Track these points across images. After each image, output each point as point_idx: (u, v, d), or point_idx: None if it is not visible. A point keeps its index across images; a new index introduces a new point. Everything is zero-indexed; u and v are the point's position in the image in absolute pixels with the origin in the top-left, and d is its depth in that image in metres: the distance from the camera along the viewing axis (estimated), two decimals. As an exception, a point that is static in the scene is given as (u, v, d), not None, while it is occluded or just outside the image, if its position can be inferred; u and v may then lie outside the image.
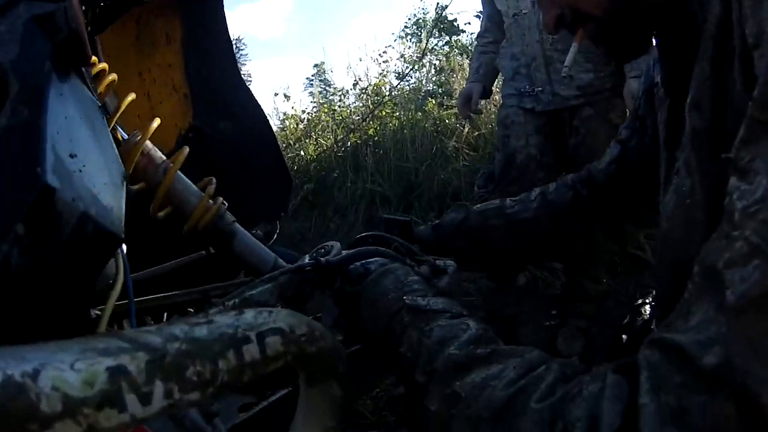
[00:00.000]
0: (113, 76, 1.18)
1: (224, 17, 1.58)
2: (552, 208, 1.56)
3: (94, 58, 1.05)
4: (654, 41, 1.16)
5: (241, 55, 45.65)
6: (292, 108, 9.50)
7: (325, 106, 9.17)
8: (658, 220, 1.14)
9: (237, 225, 1.39)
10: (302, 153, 7.76)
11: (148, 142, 1.23)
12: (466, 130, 6.62)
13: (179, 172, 1.28)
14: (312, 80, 11.51)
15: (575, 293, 3.57)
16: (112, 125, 1.13)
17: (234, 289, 1.19)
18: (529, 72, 3.45)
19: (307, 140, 8.18)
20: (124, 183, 0.99)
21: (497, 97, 5.70)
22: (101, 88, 1.13)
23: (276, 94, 9.93)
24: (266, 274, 1.24)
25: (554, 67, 3.34)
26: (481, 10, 4.01)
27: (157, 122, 1.21)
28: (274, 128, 9.10)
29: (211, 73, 1.61)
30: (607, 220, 1.54)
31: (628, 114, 3.25)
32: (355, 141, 7.42)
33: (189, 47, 1.54)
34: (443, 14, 9.47)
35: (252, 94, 1.78)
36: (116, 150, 1.00)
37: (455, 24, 9.57)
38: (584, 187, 1.56)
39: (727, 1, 0.84)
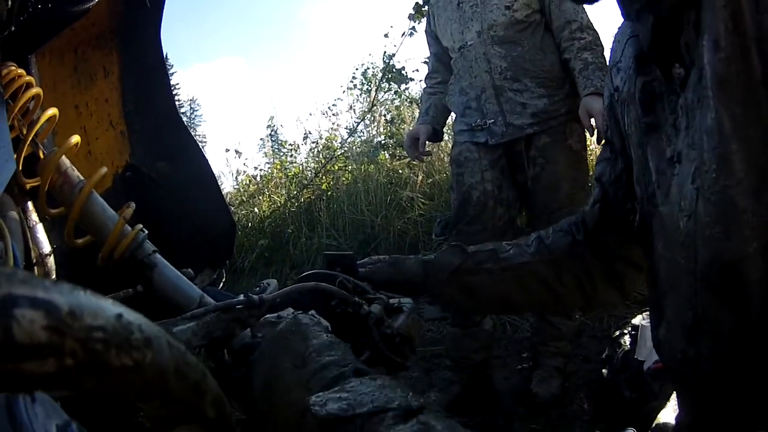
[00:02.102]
0: (54, 111, 1.11)
1: (162, 53, 1.53)
2: (550, 254, 1.45)
3: (22, 72, 1.00)
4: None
5: (195, 116, 46.04)
6: (245, 165, 9.52)
7: (278, 163, 9.17)
8: (653, 239, 1.05)
9: (158, 256, 1.29)
10: (256, 210, 7.76)
11: (66, 161, 1.16)
12: (420, 178, 6.62)
13: (95, 194, 1.20)
14: (264, 140, 11.49)
15: (547, 332, 3.47)
16: (30, 139, 1.07)
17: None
18: (480, 104, 3.39)
19: (260, 197, 8.19)
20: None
21: (449, 145, 5.69)
22: (40, 122, 1.06)
23: (227, 150, 9.88)
24: (190, 312, 1.11)
25: (505, 96, 3.29)
26: (429, 55, 4.00)
27: (76, 138, 1.14)
28: (229, 187, 9.21)
29: (149, 110, 1.56)
30: (605, 265, 1.43)
31: (587, 135, 3.25)
32: (309, 197, 7.40)
33: (127, 83, 1.48)
34: (391, 62, 9.51)
35: (192, 135, 1.72)
36: (8, 136, 0.93)
37: (403, 72, 9.62)
38: (579, 230, 1.45)
39: None
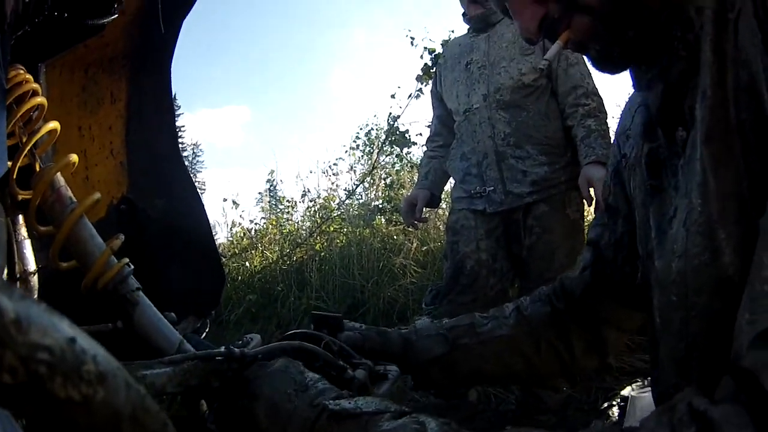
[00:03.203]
0: (56, 124, 1.07)
1: (170, 88, 1.50)
2: (529, 325, 1.43)
3: (30, 77, 0.97)
4: (633, 78, 1.11)
5: (197, 161, 46.37)
6: (241, 217, 9.53)
7: (273, 219, 9.16)
8: (651, 294, 1.07)
9: (142, 294, 1.23)
10: (247, 264, 7.71)
11: (61, 179, 1.11)
12: (414, 246, 6.60)
13: (85, 219, 1.15)
14: (263, 194, 11.52)
15: (532, 406, 3.40)
16: (28, 149, 1.02)
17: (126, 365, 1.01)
18: (480, 171, 3.37)
19: (253, 251, 8.15)
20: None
21: (446, 213, 5.69)
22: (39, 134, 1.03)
23: (225, 200, 9.89)
24: (168, 356, 1.05)
25: (507, 163, 3.28)
26: (432, 117, 3.99)
27: (74, 157, 1.10)
28: (222, 238, 9.21)
29: (152, 145, 1.52)
30: (588, 332, 1.43)
31: (585, 205, 3.23)
32: (301, 256, 7.35)
33: (133, 113, 1.44)
34: (395, 124, 9.56)
35: (191, 179, 1.68)
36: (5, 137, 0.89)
37: (407, 135, 9.67)
38: (560, 299, 1.44)
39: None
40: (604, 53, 1.06)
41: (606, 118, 3.21)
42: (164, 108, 1.54)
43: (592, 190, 3.04)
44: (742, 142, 0.81)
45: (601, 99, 3.26)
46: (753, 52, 0.80)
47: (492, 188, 3.34)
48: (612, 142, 1.39)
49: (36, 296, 0.75)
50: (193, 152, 46.74)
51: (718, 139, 0.84)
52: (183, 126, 45.70)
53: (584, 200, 3.21)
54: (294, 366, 1.00)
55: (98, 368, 0.40)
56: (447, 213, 4.40)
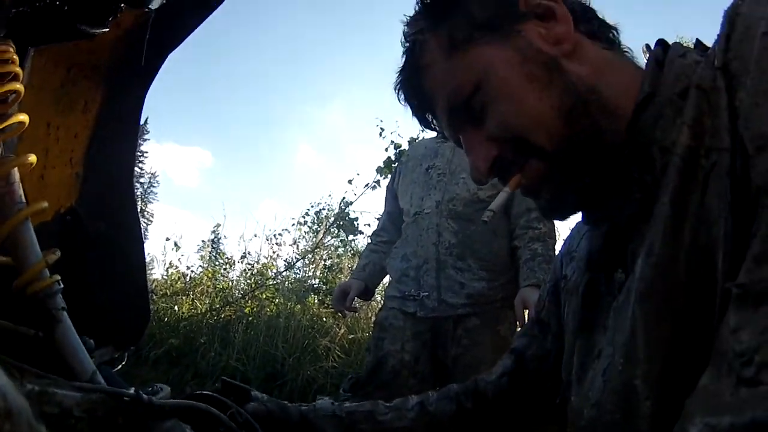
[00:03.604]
0: (25, 117, 1.04)
1: (140, 117, 1.49)
2: (431, 421, 1.39)
3: (16, 58, 0.94)
4: (582, 214, 1.10)
5: (151, 191, 45.99)
6: (179, 260, 9.46)
7: (210, 271, 9.08)
8: (570, 418, 1.05)
9: (65, 315, 1.18)
10: (176, 308, 7.62)
11: (17, 175, 1.08)
12: (342, 331, 6.60)
13: (29, 223, 1.11)
14: (205, 243, 11.43)
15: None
16: None
17: (34, 379, 0.98)
18: (418, 275, 3.32)
19: (184, 297, 8.04)
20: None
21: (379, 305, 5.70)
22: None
23: (167, 239, 9.80)
24: (79, 383, 1.01)
25: (446, 272, 3.23)
26: (383, 212, 4.00)
27: (32, 158, 1.06)
28: (158, 274, 9.14)
29: (108, 166, 1.48)
30: None
31: (518, 324, 3.21)
32: (230, 315, 7.27)
33: (99, 128, 1.41)
34: (346, 210, 9.62)
35: (137, 210, 1.64)
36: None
37: (355, 223, 9.72)
38: (469, 399, 1.40)
39: (699, 128, 0.81)
40: (557, 200, 1.05)
41: (554, 244, 3.22)
42: (130, 134, 1.51)
43: (526, 312, 3.03)
44: (687, 302, 0.78)
45: (553, 224, 3.28)
46: (717, 214, 0.75)
47: (426, 294, 3.28)
48: (555, 257, 1.40)
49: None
50: (150, 182, 46.33)
51: (657, 298, 0.82)
52: (147, 152, 45.53)
53: (517, 320, 3.20)
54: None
55: (7, 405, 0.42)
56: (379, 307, 4.40)
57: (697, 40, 1.02)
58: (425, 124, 1.22)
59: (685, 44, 1.00)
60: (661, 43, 1.01)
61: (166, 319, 7.24)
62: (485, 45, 1.03)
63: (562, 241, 1.35)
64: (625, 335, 0.86)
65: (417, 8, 1.15)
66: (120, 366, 1.52)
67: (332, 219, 10.21)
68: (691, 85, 0.86)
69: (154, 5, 0.99)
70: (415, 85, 1.15)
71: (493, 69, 1.01)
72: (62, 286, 1.18)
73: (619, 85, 0.99)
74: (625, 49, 1.12)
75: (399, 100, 1.21)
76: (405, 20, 1.17)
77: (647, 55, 1.02)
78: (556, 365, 1.21)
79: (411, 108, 1.20)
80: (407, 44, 1.15)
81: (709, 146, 0.79)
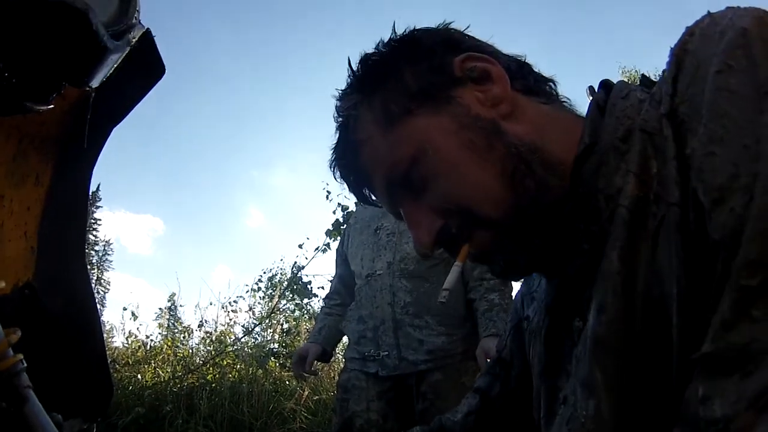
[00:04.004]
0: None
1: (89, 191, 1.50)
2: None
3: None
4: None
5: (106, 259, 45.26)
6: (138, 329, 9.39)
7: (169, 338, 8.99)
8: None
9: (32, 393, 1.19)
10: (139, 377, 7.46)
11: None
12: (306, 393, 6.55)
13: None
14: (163, 311, 11.30)
15: None
16: None
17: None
18: (376, 335, 3.33)
19: (146, 365, 7.93)
20: None
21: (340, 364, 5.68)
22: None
23: (125, 309, 9.70)
24: None
25: (404, 331, 3.24)
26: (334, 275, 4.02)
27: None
28: (119, 342, 9.03)
29: (60, 241, 1.49)
30: None
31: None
32: (193, 382, 7.18)
33: (50, 202, 1.42)
34: (298, 274, 9.60)
35: (91, 286, 1.64)
36: None
37: (308, 287, 9.70)
38: None
39: (646, 175, 0.78)
40: (509, 265, 1.00)
41: (510, 292, 3.25)
42: (80, 207, 1.52)
43: (488, 362, 3.05)
44: (644, 359, 0.75)
45: None
46: (669, 270, 0.72)
47: (386, 353, 3.30)
48: (514, 298, 1.37)
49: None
50: (104, 250, 45.66)
51: (613, 356, 0.78)
52: (100, 219, 44.99)
53: (480, 371, 3.20)
54: None
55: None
56: (341, 366, 4.39)
57: (643, 75, 1.01)
58: (363, 199, 1.17)
59: (631, 79, 1.00)
60: (604, 85, 0.99)
61: (130, 388, 7.13)
62: (422, 115, 1.00)
63: (520, 284, 1.33)
64: (585, 390, 0.82)
65: (349, 81, 1.12)
66: (90, 439, 1.51)
67: (285, 284, 10.18)
68: (635, 128, 0.83)
69: (94, 84, 1.01)
70: (350, 162, 1.11)
71: (431, 140, 0.98)
72: (25, 365, 1.19)
73: (561, 138, 0.96)
74: (564, 100, 1.10)
75: (335, 177, 1.17)
76: (337, 94, 1.14)
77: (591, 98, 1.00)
78: (522, 403, 1.20)
79: (347, 185, 1.16)
80: (340, 119, 1.11)
81: (657, 195, 0.76)
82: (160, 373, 7.75)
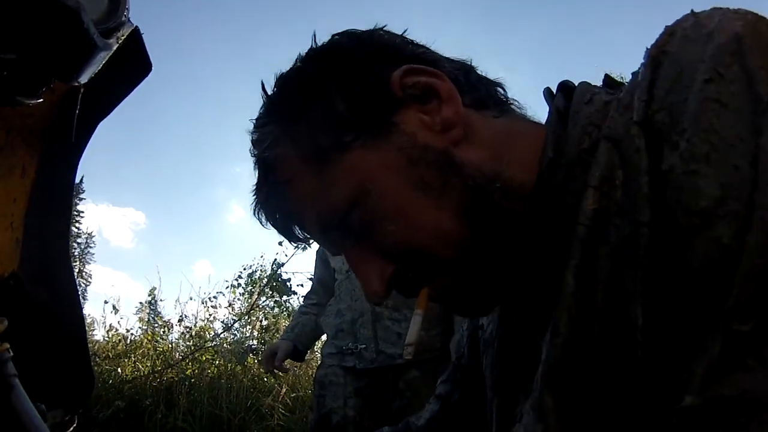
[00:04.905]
0: None
1: (74, 182, 1.51)
2: None
3: None
4: None
5: (88, 252, 44.93)
6: (119, 323, 9.38)
7: (149, 333, 8.98)
8: None
9: (17, 381, 1.21)
10: (119, 370, 7.47)
11: None
12: (284, 390, 6.58)
13: None
14: (143, 305, 11.26)
15: None
16: None
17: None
18: (354, 328, 3.37)
19: (126, 359, 7.91)
20: None
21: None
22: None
23: (106, 302, 9.66)
24: None
25: (382, 324, 3.28)
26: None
27: None
28: (99, 336, 9.01)
29: (45, 232, 1.50)
30: None
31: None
32: (172, 377, 7.18)
33: (36, 193, 1.43)
34: (278, 271, 9.59)
35: (75, 278, 1.66)
36: None
37: (288, 284, 9.69)
38: None
39: (608, 186, 0.69)
40: (473, 305, 0.93)
41: None
42: (64, 199, 1.53)
43: None
44: (601, 386, 0.68)
45: None
46: (632, 295, 0.65)
47: (364, 346, 3.34)
48: None
49: None
50: (87, 242, 45.62)
51: (566, 383, 0.71)
52: (83, 212, 44.70)
53: None
54: None
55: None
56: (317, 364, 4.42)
57: (606, 75, 0.89)
58: (295, 239, 1.01)
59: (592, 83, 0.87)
60: (563, 87, 0.90)
61: (110, 381, 7.16)
62: (359, 149, 0.86)
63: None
64: (535, 412, 0.74)
65: (265, 108, 0.97)
66: (71, 428, 1.53)
67: (265, 280, 10.17)
68: (601, 137, 0.74)
69: (83, 79, 1.02)
70: (277, 204, 0.97)
71: (373, 180, 0.84)
72: (12, 354, 1.21)
73: (520, 157, 0.85)
74: (513, 103, 0.98)
75: (260, 222, 1.01)
76: (253, 124, 0.98)
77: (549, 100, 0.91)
78: (482, 411, 1.12)
79: (275, 228, 1.01)
80: (259, 157, 0.96)
81: (621, 208, 0.68)
82: (140, 367, 7.77)
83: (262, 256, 13.25)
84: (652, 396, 0.63)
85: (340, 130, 0.86)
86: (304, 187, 0.89)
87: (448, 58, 0.95)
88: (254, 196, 0.99)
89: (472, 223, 0.82)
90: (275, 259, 9.76)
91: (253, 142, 0.97)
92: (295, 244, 1.03)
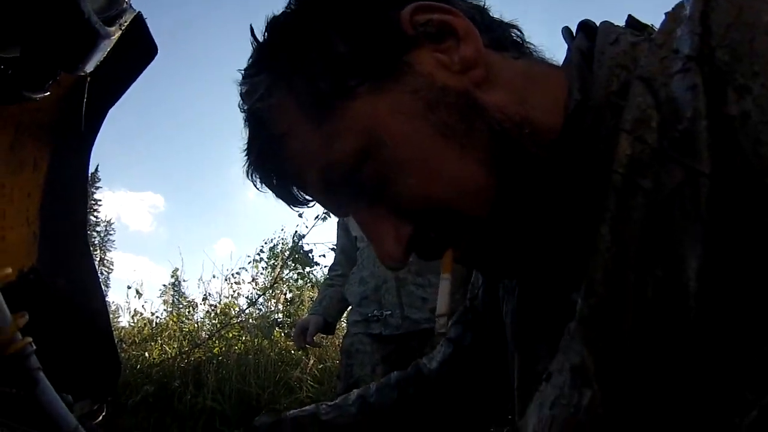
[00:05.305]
0: None
1: (87, 172, 1.51)
2: (373, 412, 1.27)
3: None
4: None
5: (108, 239, 45.35)
6: (143, 307, 9.41)
7: (174, 314, 9.04)
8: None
9: (42, 375, 1.21)
10: (147, 354, 7.55)
11: None
12: (312, 362, 6.60)
13: None
14: (167, 287, 11.33)
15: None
16: None
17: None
18: (378, 295, 3.36)
19: (152, 343, 8.00)
20: None
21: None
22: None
23: (129, 288, 9.74)
24: None
25: (407, 289, 3.27)
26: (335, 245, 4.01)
27: None
28: (124, 322, 9.08)
29: (61, 224, 1.50)
30: (441, 421, 1.26)
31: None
32: (200, 356, 7.23)
33: (49, 186, 1.43)
34: (300, 243, 9.61)
35: (95, 266, 1.66)
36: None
37: (310, 255, 9.72)
38: (411, 385, 1.29)
39: (644, 129, 0.60)
40: (504, 266, 0.85)
41: None
42: (79, 190, 1.53)
43: None
44: (646, 346, 0.58)
45: None
46: (686, 253, 0.55)
47: (389, 312, 3.33)
48: None
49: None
50: (106, 230, 45.89)
51: (605, 338, 0.62)
52: (100, 200, 45.04)
53: None
54: None
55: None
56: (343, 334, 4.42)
57: (630, 16, 0.82)
58: (295, 203, 0.92)
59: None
60: (583, 27, 0.83)
61: (138, 366, 7.16)
62: (366, 95, 0.77)
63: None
64: (575, 375, 0.66)
65: (256, 56, 0.87)
66: (101, 417, 1.54)
67: (287, 253, 10.20)
68: (632, 79, 0.64)
69: (89, 69, 1.00)
70: (272, 161, 0.87)
71: (386, 128, 0.76)
72: (35, 347, 1.21)
73: (545, 100, 0.77)
74: (531, 47, 0.89)
75: (255, 185, 0.91)
76: (242, 74, 0.89)
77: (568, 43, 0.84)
78: (498, 356, 1.08)
79: (272, 191, 0.91)
80: (249, 110, 0.87)
81: (663, 153, 0.58)
82: (167, 349, 7.79)
83: (282, 229, 13.29)
84: (705, 371, 0.54)
85: (343, 74, 0.77)
86: (304, 140, 0.80)
87: None
88: (246, 156, 0.90)
89: (501, 172, 0.74)
90: (296, 232, 9.78)
91: (242, 94, 0.88)
92: (296, 208, 0.93)
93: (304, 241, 9.63)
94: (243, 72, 0.88)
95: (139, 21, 1.13)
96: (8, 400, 1.19)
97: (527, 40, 0.89)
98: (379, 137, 0.75)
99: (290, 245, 10.13)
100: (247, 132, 0.88)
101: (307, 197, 0.90)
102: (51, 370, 1.22)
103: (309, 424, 1.26)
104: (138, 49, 1.22)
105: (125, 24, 1.05)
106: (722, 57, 0.56)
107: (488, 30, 0.83)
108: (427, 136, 0.74)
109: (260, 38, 0.86)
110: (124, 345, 7.76)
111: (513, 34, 0.88)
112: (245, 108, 0.87)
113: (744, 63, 0.55)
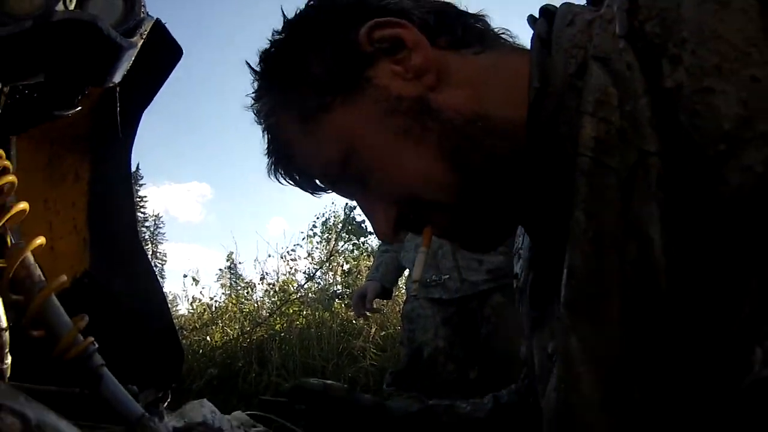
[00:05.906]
0: (25, 205, 1.11)
1: (130, 172, 1.55)
2: (504, 413, 1.35)
3: (2, 152, 1.00)
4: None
5: (159, 233, 45.99)
6: (201, 293, 9.53)
7: (233, 297, 9.14)
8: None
9: (105, 370, 1.26)
10: (208, 338, 7.69)
11: (30, 257, 1.15)
12: (374, 330, 6.64)
13: (54, 298, 1.19)
14: (223, 271, 11.48)
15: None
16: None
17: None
18: (435, 260, 3.37)
19: (213, 327, 8.12)
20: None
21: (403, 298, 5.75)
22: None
23: (185, 276, 9.90)
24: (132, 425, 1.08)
25: (462, 252, 3.27)
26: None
27: (41, 240, 1.13)
28: (183, 310, 9.21)
29: (111, 225, 1.55)
30: None
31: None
32: (262, 335, 7.32)
33: (94, 192, 1.48)
34: (351, 214, 9.65)
35: (148, 259, 1.71)
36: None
37: (363, 225, 9.75)
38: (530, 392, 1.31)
39: (606, 110, 0.63)
40: (477, 240, 0.95)
41: None
42: (124, 192, 1.57)
43: None
44: (624, 326, 0.63)
45: None
46: (649, 228, 0.59)
47: (447, 276, 3.36)
48: None
49: (7, 350, 0.79)
50: (155, 224, 46.25)
51: (592, 318, 0.66)
52: (146, 196, 45.59)
53: None
54: None
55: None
56: (403, 300, 4.44)
57: None
58: (319, 190, 1.07)
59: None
60: (544, 12, 0.85)
61: (201, 351, 7.32)
62: (339, 109, 0.90)
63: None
64: (562, 360, 0.71)
65: (257, 83, 1.03)
66: (166, 404, 1.60)
67: (340, 225, 10.25)
68: (588, 58, 0.68)
69: (116, 80, 1.05)
70: (287, 164, 1.03)
71: (356, 135, 0.89)
72: (97, 346, 1.26)
73: (506, 92, 0.83)
74: (501, 32, 0.96)
75: (279, 182, 1.07)
76: (251, 99, 1.04)
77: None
78: None
79: (296, 185, 1.06)
80: (263, 125, 1.03)
81: (622, 133, 0.61)
82: (228, 331, 7.92)
83: (333, 203, 13.35)
84: (683, 334, 0.58)
85: (320, 92, 0.90)
86: (303, 147, 0.96)
87: (418, 3, 0.93)
88: (268, 159, 1.06)
89: (457, 165, 0.84)
90: (347, 204, 9.83)
91: (255, 113, 1.04)
92: (317, 194, 1.09)
93: (356, 212, 9.67)
94: (251, 96, 1.04)
95: (159, 27, 1.16)
96: (75, 400, 1.26)
97: (500, 28, 0.96)
98: (352, 143, 0.89)
99: (342, 217, 10.18)
100: (266, 141, 1.05)
101: (324, 186, 1.05)
102: (115, 365, 1.28)
103: (444, 412, 1.35)
104: (162, 53, 1.26)
105: (146, 32, 1.09)
106: (653, 29, 0.59)
107: (446, 32, 0.91)
108: (388, 140, 0.87)
109: (256, 68, 1.02)
110: (184, 332, 7.92)
111: (478, 26, 0.95)
112: (259, 123, 1.04)
113: (674, 31, 0.57)
